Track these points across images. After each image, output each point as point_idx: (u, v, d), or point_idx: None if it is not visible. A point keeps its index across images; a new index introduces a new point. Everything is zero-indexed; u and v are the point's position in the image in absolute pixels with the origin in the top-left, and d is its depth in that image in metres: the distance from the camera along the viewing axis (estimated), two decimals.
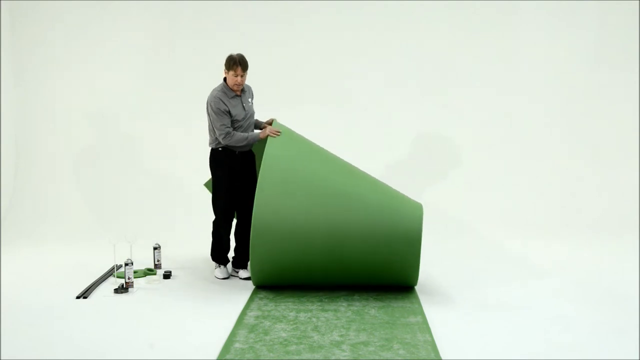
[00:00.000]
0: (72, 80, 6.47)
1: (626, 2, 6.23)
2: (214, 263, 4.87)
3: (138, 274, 4.75)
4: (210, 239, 4.81)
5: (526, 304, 4.13)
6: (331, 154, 4.50)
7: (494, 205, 6.17)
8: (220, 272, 4.73)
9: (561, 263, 5.12)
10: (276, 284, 4.37)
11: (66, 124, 6.47)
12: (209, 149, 4.66)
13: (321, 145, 4.58)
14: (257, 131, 4.62)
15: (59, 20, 6.43)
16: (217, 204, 4.69)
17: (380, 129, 6.42)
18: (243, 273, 4.73)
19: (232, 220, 4.75)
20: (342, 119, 6.40)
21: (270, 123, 4.65)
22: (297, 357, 3.23)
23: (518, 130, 6.38)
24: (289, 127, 4.56)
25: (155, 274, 4.82)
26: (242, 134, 4.48)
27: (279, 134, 4.37)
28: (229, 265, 4.84)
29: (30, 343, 3.48)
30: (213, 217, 4.77)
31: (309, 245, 4.11)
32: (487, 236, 5.81)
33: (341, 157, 4.57)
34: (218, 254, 4.77)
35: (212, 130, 4.56)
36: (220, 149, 4.56)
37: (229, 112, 4.44)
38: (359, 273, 4.23)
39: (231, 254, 4.88)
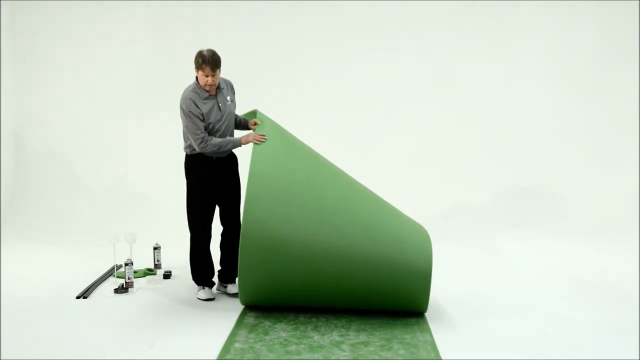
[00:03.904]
0: (73, 80, 6.47)
1: (626, 2, 6.24)
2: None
3: (138, 274, 4.75)
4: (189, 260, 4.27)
5: (526, 304, 4.13)
6: (323, 158, 4.04)
7: (493, 205, 6.17)
8: (204, 293, 4.21)
9: (561, 263, 5.11)
10: (266, 304, 3.95)
11: (67, 123, 6.47)
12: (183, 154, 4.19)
13: (316, 144, 4.26)
14: (236, 137, 4.02)
15: (60, 19, 6.43)
16: (193, 219, 4.17)
17: (379, 130, 6.43)
18: (232, 288, 4.29)
19: (210, 235, 4.23)
20: (340, 119, 6.40)
21: (254, 115, 4.13)
22: (297, 357, 3.23)
23: (516, 131, 6.38)
24: (272, 119, 4.08)
25: (155, 274, 4.82)
26: (218, 139, 3.95)
27: (264, 140, 3.85)
28: (215, 286, 4.36)
29: (30, 343, 3.49)
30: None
31: (306, 266, 3.66)
32: (485, 236, 5.80)
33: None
34: (201, 275, 4.25)
35: (186, 134, 4.06)
36: (195, 154, 4.08)
37: (202, 115, 3.95)
38: (361, 301, 3.82)
39: (217, 267, 4.42)
